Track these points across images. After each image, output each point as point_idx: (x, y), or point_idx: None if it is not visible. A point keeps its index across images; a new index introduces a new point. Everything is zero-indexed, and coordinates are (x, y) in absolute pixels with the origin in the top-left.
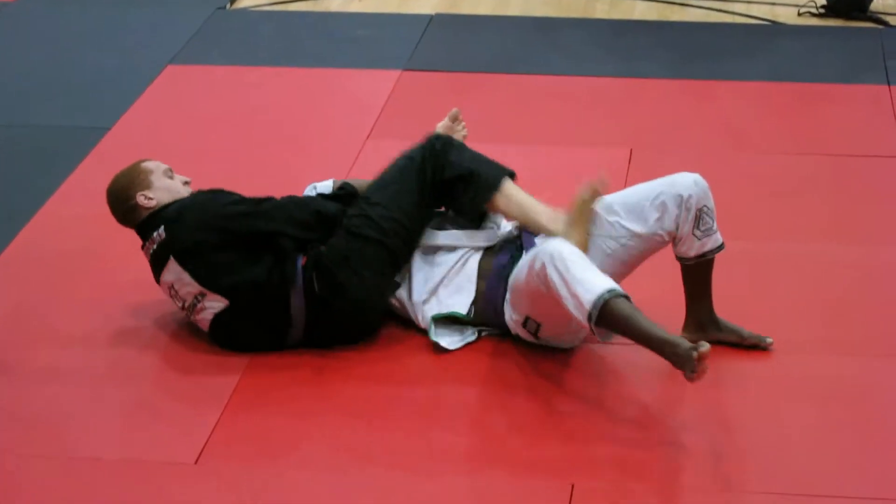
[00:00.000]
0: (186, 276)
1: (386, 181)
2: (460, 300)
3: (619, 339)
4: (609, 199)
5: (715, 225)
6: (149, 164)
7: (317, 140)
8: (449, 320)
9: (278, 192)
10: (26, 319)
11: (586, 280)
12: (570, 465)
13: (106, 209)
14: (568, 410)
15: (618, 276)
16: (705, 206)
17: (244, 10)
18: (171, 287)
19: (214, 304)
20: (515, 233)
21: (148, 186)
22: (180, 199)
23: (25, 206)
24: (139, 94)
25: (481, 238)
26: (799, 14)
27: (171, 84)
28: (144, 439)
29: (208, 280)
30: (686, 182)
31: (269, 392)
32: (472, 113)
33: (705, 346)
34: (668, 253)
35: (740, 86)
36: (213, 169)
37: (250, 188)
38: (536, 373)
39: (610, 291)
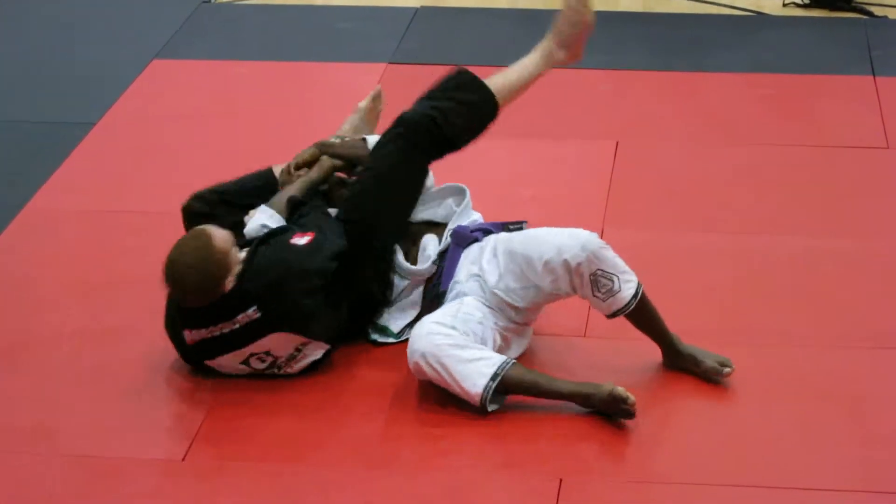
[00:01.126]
0: (289, 336)
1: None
2: (401, 320)
3: (604, 334)
4: (498, 270)
5: (617, 283)
6: (223, 243)
7: (302, 134)
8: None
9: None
10: (12, 315)
11: (466, 375)
12: (559, 461)
13: (90, 203)
14: (556, 406)
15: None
16: (598, 269)
17: (229, 4)
18: (260, 354)
19: (316, 351)
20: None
21: (230, 268)
22: (251, 269)
23: (10, 202)
24: (124, 88)
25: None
26: (784, 5)
27: (157, 78)
28: (132, 436)
29: (315, 332)
30: (572, 248)
31: (256, 386)
32: None
33: (630, 400)
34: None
35: (725, 77)
36: (199, 163)
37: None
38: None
39: (492, 377)
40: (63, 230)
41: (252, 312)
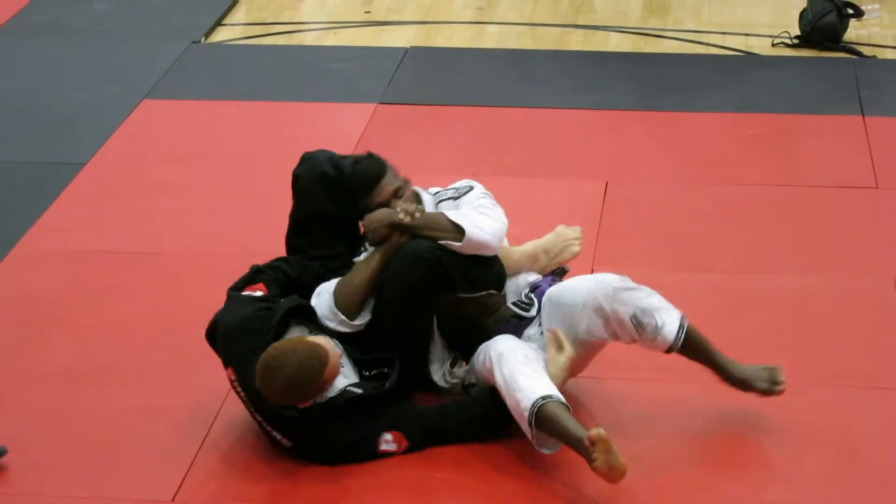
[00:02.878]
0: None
1: None
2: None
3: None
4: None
5: (658, 320)
6: (331, 373)
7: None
8: None
9: (253, 227)
10: (1, 355)
11: (525, 388)
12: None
13: (79, 243)
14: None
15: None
16: (637, 309)
17: (219, 45)
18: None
19: None
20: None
21: (320, 392)
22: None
23: (0, 242)
24: (114, 128)
25: None
26: (773, 45)
27: (147, 119)
28: (122, 477)
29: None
30: (597, 296)
31: (247, 428)
32: (447, 145)
33: (594, 432)
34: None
35: (715, 117)
36: (189, 204)
37: (227, 224)
38: None
39: (545, 398)
40: (52, 270)
41: (285, 442)
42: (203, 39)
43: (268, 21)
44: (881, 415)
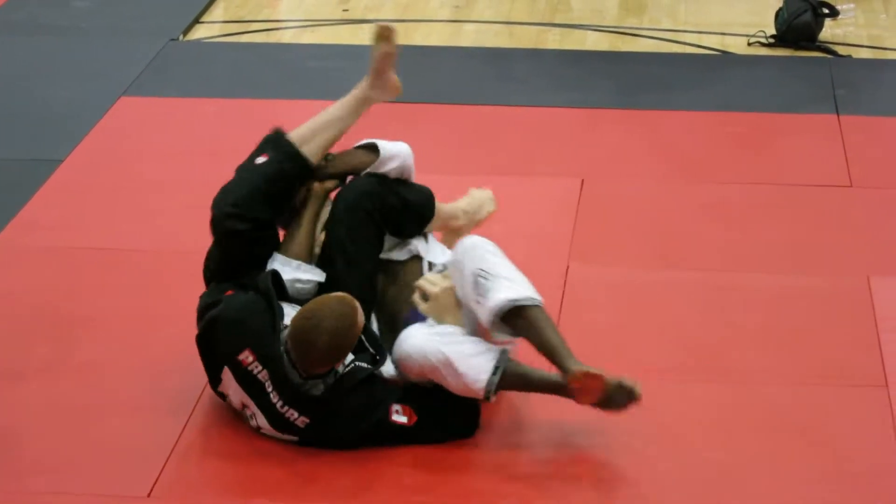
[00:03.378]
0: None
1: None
2: None
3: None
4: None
5: (495, 283)
6: (360, 324)
7: None
8: None
9: None
10: None
11: (471, 368)
12: None
13: (57, 240)
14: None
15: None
16: (479, 269)
17: (197, 42)
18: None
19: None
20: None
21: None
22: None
23: None
24: (92, 125)
25: None
26: (749, 44)
27: (125, 116)
28: (97, 473)
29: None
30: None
31: (222, 425)
32: (423, 144)
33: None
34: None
35: (691, 115)
36: (167, 201)
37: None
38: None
39: (493, 372)
40: (31, 267)
41: (301, 421)
42: (181, 37)
43: (246, 19)
44: (859, 412)
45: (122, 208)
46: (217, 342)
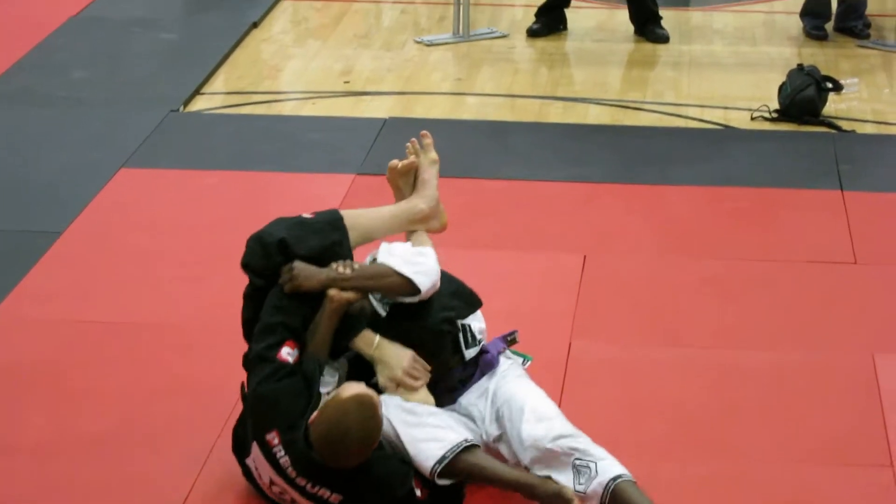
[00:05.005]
0: None
1: None
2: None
3: None
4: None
5: (594, 469)
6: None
7: None
8: None
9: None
10: None
11: (419, 451)
12: None
13: (55, 312)
14: None
15: None
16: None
17: (197, 114)
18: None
19: None
20: None
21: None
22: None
23: None
24: (91, 197)
25: None
26: (752, 118)
27: (124, 187)
28: None
29: None
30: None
31: (223, 501)
32: None
33: (566, 490)
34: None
35: (693, 190)
36: (166, 275)
37: (204, 295)
38: None
39: (439, 460)
40: (27, 339)
41: (335, 498)
42: (182, 108)
43: (246, 90)
44: (863, 492)
45: (122, 280)
46: (251, 415)
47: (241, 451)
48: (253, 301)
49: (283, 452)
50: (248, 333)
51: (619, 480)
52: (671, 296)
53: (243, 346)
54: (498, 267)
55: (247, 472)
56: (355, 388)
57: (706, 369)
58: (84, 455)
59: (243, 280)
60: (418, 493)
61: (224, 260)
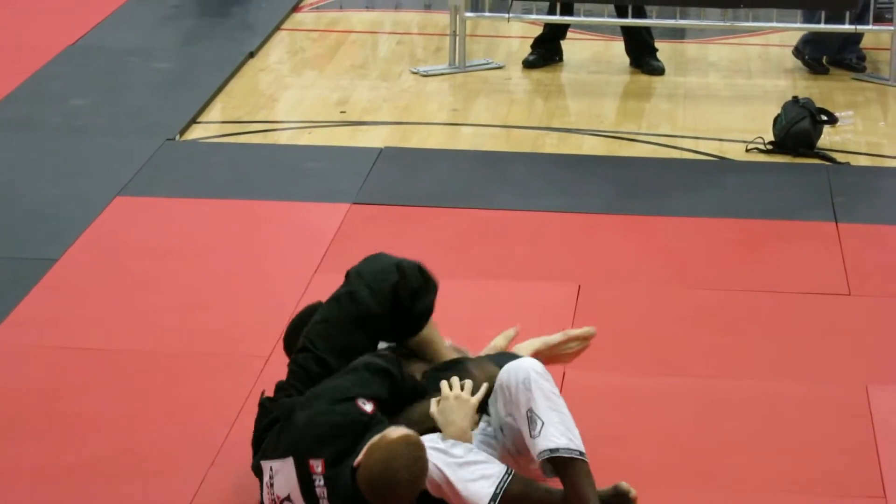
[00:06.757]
0: None
1: None
2: None
3: None
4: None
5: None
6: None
7: (265, 274)
8: None
9: (226, 327)
10: None
11: (471, 495)
12: None
13: (50, 340)
14: None
15: None
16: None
17: (193, 142)
18: None
19: None
20: None
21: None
22: None
23: None
24: (87, 225)
25: None
26: (747, 150)
27: (120, 215)
28: None
29: None
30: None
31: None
32: (421, 246)
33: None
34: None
35: (688, 221)
36: (161, 303)
37: (199, 323)
38: None
39: (492, 498)
40: (23, 366)
41: None
42: (178, 137)
43: (243, 119)
44: None
45: (117, 308)
46: (301, 434)
47: (258, 450)
48: (355, 324)
49: (321, 482)
50: (326, 346)
51: (555, 455)
52: (665, 326)
53: (238, 375)
54: (493, 296)
55: (257, 470)
56: (402, 430)
57: (699, 399)
58: (77, 482)
59: (237, 308)
60: None
61: (218, 288)
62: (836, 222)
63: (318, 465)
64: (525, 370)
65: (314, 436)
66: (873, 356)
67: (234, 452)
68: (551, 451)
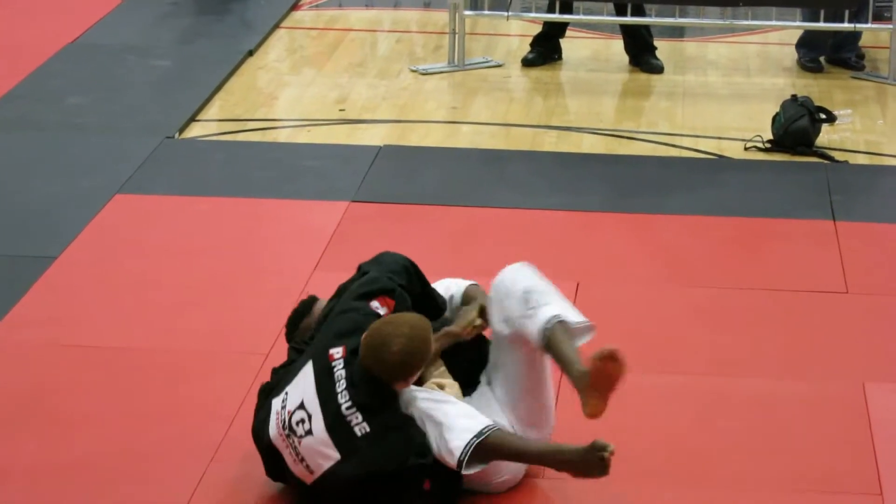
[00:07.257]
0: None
1: None
2: None
3: None
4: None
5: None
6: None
7: (264, 272)
8: None
9: (225, 325)
10: None
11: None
12: None
13: (49, 338)
14: None
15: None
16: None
17: (192, 140)
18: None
19: None
20: None
21: (417, 372)
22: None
23: None
24: (86, 223)
25: None
26: (745, 148)
27: (119, 213)
28: None
29: None
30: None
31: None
32: (419, 245)
33: (609, 448)
34: None
35: (687, 219)
36: (160, 300)
37: (198, 320)
38: None
39: (477, 434)
40: (22, 363)
41: (361, 428)
42: (177, 135)
43: (242, 117)
44: None
45: (116, 306)
46: (320, 323)
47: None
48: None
49: (341, 366)
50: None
51: (555, 321)
52: (663, 324)
53: (237, 373)
54: None
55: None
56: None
57: (697, 397)
58: (76, 479)
59: (235, 306)
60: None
61: (217, 286)
62: (835, 220)
63: (337, 353)
64: (512, 267)
65: (334, 332)
66: (870, 354)
67: (232, 450)
68: (555, 316)
